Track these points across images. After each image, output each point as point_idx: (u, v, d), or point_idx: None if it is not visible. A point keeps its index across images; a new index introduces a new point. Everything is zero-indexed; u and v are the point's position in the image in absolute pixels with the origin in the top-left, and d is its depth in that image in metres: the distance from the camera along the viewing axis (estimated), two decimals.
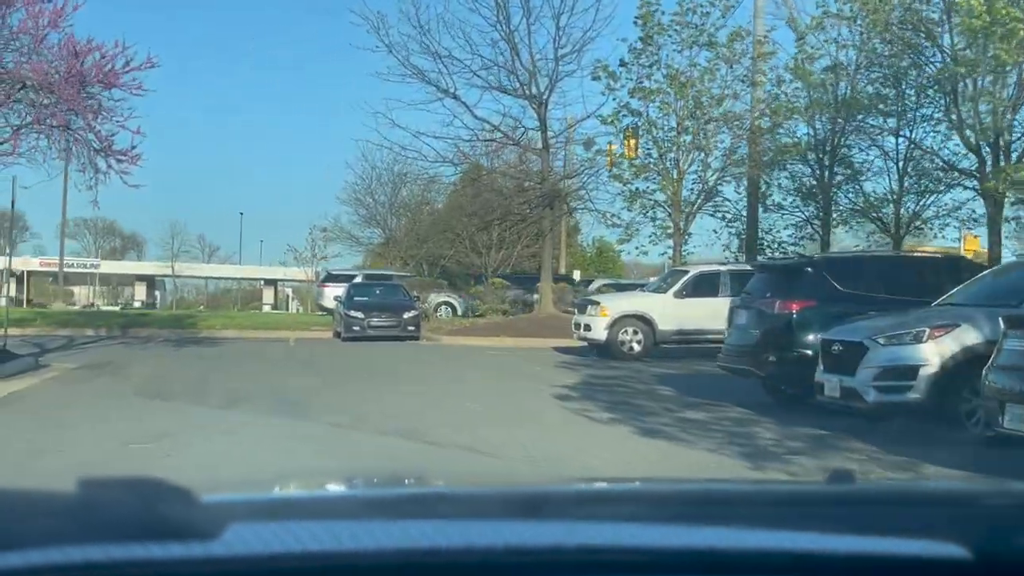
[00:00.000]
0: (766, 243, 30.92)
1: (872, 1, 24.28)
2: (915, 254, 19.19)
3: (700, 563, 1.36)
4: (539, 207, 32.18)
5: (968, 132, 22.93)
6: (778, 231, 30.98)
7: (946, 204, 28.31)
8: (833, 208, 29.29)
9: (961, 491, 2.14)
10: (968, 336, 10.62)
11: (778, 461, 9.61)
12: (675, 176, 30.16)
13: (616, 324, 23.14)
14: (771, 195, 30.86)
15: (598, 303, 23.88)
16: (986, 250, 24.48)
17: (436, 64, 31.06)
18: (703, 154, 30.43)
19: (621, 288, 33.48)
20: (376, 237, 58.81)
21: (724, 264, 25.44)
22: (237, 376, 17.32)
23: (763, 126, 29.86)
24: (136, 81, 17.43)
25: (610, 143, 31.42)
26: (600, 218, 32.17)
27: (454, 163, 33.47)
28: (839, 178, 29.06)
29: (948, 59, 23.07)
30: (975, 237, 30.24)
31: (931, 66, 24.68)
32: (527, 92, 31.25)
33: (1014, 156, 22.74)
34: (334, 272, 42.13)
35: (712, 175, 30.70)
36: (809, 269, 14.01)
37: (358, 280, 35.15)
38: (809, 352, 13.12)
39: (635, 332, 23.19)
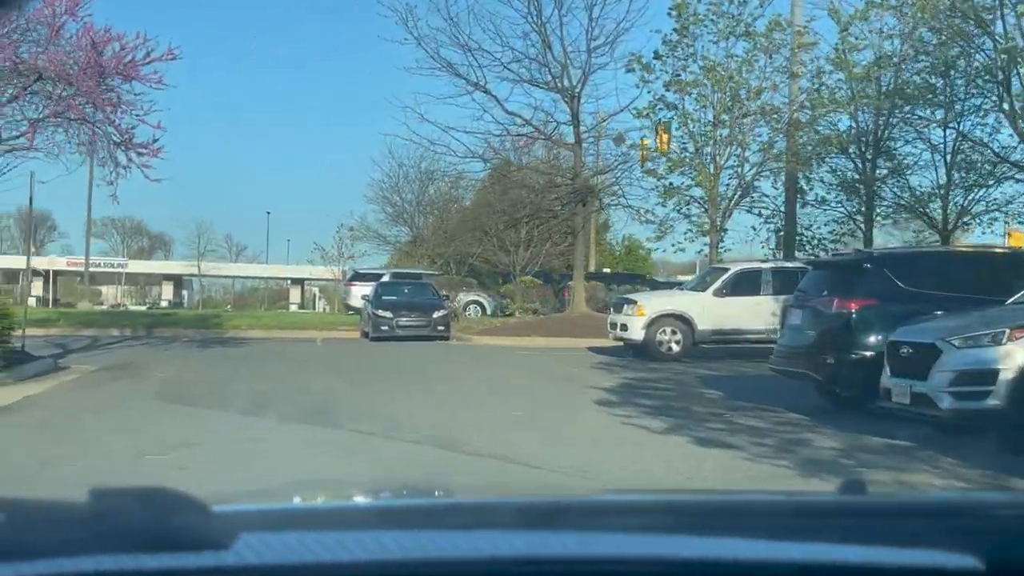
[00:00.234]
0: (805, 239, 30.03)
1: None
2: (979, 250, 18.24)
3: (712, 574, 1.35)
4: (571, 203, 31.32)
5: (1021, 123, 21.96)
6: (818, 227, 30.09)
7: (996, 199, 27.34)
8: (876, 203, 28.34)
9: (971, 501, 2.14)
10: None
11: (851, 474, 8.80)
12: (711, 171, 29.28)
13: (654, 324, 22.32)
14: (811, 190, 29.98)
15: (635, 302, 23.04)
16: None
17: (466, 57, 30.32)
18: (740, 148, 29.56)
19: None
20: (403, 235, 58.36)
21: (765, 261, 24.57)
22: (262, 378, 16.62)
23: (802, 119, 28.96)
24: (157, 74, 16.76)
25: (643, 138, 30.64)
26: (634, 214, 31.36)
27: (484, 159, 32.74)
28: (883, 172, 28.11)
29: (1000, 47, 22.09)
30: (1021, 233, 29.24)
31: (982, 54, 23.71)
32: (559, 85, 30.43)
33: None
34: (361, 271, 41.53)
35: (749, 170, 29.81)
36: (868, 265, 13.12)
37: (386, 279, 34.51)
38: (869, 354, 12.31)
39: (673, 332, 22.35)
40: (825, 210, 29.66)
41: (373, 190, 55.47)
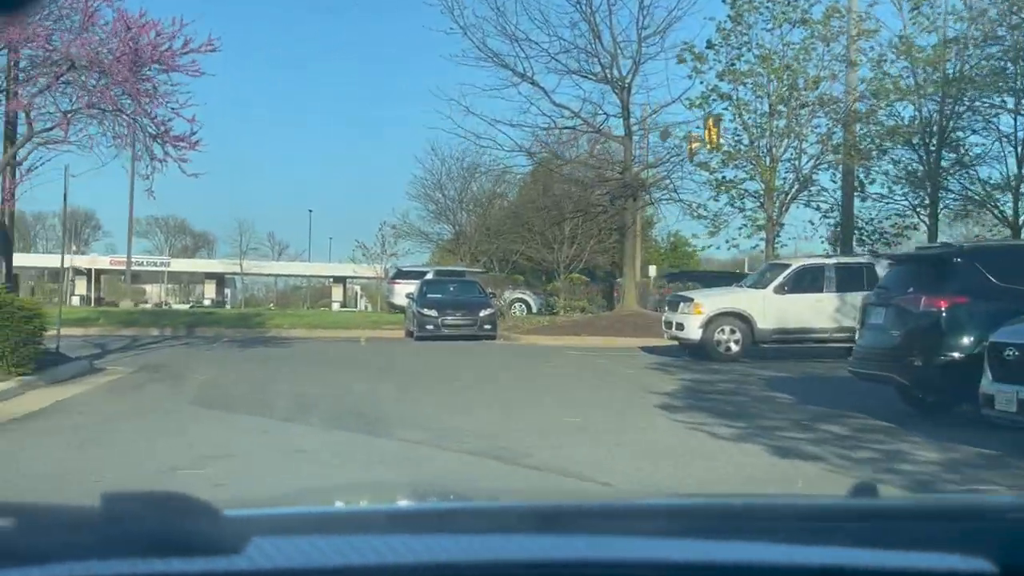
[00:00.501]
0: (865, 234, 28.94)
1: None
2: None
3: None
4: (620, 198, 30.33)
5: None
6: (879, 221, 28.97)
7: None
8: (941, 196, 27.16)
9: (984, 504, 2.10)
10: None
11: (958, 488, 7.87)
12: (767, 163, 28.25)
13: (712, 323, 21.35)
14: (871, 183, 28.88)
15: (691, 300, 22.06)
16: None
17: (513, 47, 29.47)
18: (797, 140, 28.50)
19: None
20: (445, 233, 57.73)
21: (828, 257, 23.50)
22: (304, 380, 15.83)
23: (860, 109, 27.88)
24: (195, 64, 16.01)
25: (690, 132, 29.68)
26: (686, 209, 30.37)
27: (530, 152, 31.85)
28: (948, 163, 26.92)
29: None
30: None
31: None
32: (608, 76, 29.48)
33: None
34: (404, 268, 40.94)
35: (807, 162, 28.75)
36: (958, 260, 12.06)
37: (429, 276, 33.78)
38: (960, 356, 11.34)
39: (732, 331, 21.36)
40: (887, 203, 28.52)
41: (415, 187, 54.99)
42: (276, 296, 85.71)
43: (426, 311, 27.19)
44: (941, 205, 27.42)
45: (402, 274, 38.96)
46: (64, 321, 20.83)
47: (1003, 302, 11.21)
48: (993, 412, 9.77)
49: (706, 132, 28.69)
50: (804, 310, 21.02)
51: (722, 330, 21.36)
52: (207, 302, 73.22)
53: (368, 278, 61.92)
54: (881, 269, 20.92)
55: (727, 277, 32.92)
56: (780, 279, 21.54)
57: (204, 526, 1.33)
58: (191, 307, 60.50)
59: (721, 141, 28.49)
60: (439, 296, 28.18)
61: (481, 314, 27.43)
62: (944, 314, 11.57)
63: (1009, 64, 24.39)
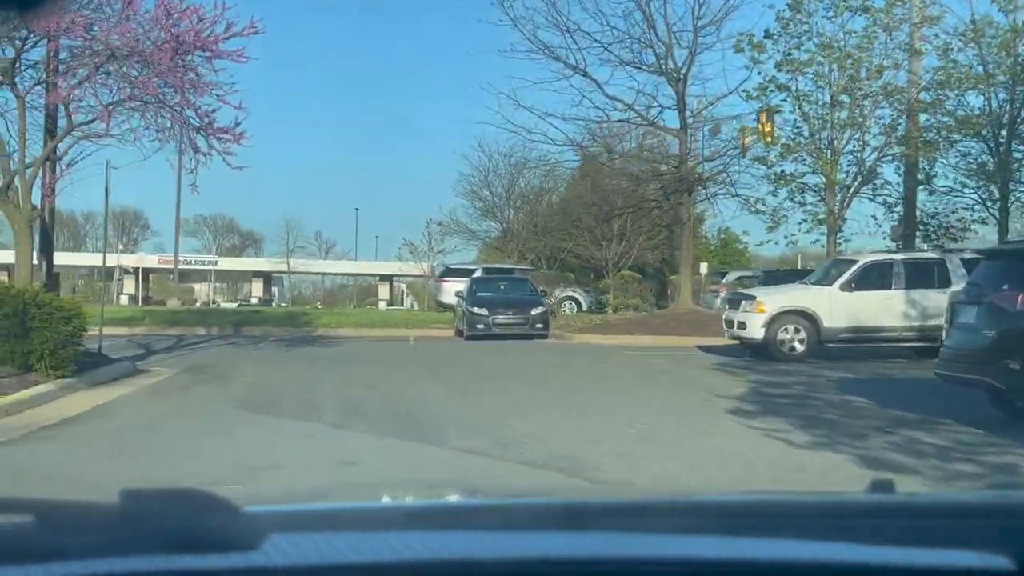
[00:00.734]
0: (931, 229, 27.90)
1: None
2: None
3: (742, 574, 1.34)
4: (676, 192, 29.45)
5: None
6: (945, 216, 27.90)
7: None
8: (1012, 189, 26.07)
9: (1004, 502, 2.06)
10: None
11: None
12: (829, 156, 27.27)
13: (775, 321, 20.46)
14: (935, 175, 27.82)
15: (754, 298, 21.18)
16: None
17: (564, 39, 28.68)
18: (860, 131, 27.49)
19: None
20: (492, 230, 57.21)
21: (896, 252, 22.53)
22: (353, 382, 15.17)
23: (925, 99, 26.84)
24: (240, 50, 15.40)
25: (742, 127, 28.74)
26: (743, 204, 29.44)
27: (582, 146, 31.04)
28: (1020, 155, 25.83)
29: None
30: None
31: None
32: (663, 67, 28.61)
33: None
34: (452, 266, 40.36)
35: (870, 154, 27.73)
36: None
37: (478, 274, 33.13)
38: None
39: (796, 330, 20.46)
40: (954, 197, 27.46)
41: (462, 184, 54.55)
42: (323, 295, 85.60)
43: (476, 310, 26.51)
44: (1012, 199, 26.31)
45: (450, 272, 38.39)
46: (108, 321, 20.38)
47: None
48: None
49: (759, 126, 27.79)
50: (873, 308, 20.11)
51: (786, 329, 20.48)
52: (254, 300, 73.15)
53: (415, 276, 61.52)
54: (952, 265, 20.01)
55: (795, 274, 31.74)
56: (847, 276, 20.61)
57: (222, 523, 1.33)
58: (239, 306, 60.35)
59: (780, 133, 27.56)
60: (489, 294, 27.50)
61: (533, 312, 26.71)
62: None
63: None
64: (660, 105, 29.21)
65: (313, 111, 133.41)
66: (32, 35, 15.03)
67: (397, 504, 2.17)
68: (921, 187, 28.35)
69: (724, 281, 38.63)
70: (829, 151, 27.40)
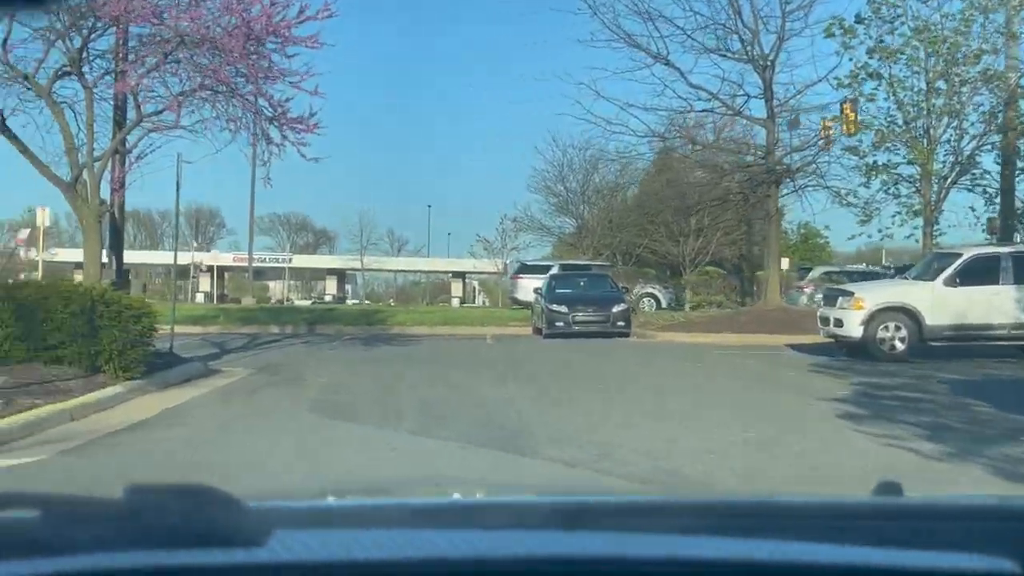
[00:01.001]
0: None
1: None
2: None
3: (744, 575, 1.33)
4: (764, 184, 28.29)
5: None
6: None
7: None
8: None
9: (1008, 504, 2.07)
10: None
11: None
12: (925, 145, 25.97)
13: (874, 318, 19.33)
14: None
15: (851, 294, 20.07)
16: None
17: (646, 26, 27.63)
18: (957, 119, 26.14)
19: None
20: (567, 226, 56.40)
21: (1003, 245, 21.24)
22: (432, 385, 14.41)
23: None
24: (314, 37, 14.69)
25: (827, 116, 27.51)
26: (833, 196, 28.19)
27: (664, 137, 30.00)
28: None
29: None
30: None
31: None
32: (749, 54, 27.46)
33: None
34: (528, 263, 39.61)
35: (968, 143, 26.37)
36: None
37: (554, 271, 32.32)
38: None
39: (897, 328, 19.31)
40: None
41: (536, 180, 53.81)
42: (395, 292, 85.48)
43: (555, 307, 25.66)
44: None
45: (525, 269, 37.64)
46: (181, 319, 19.89)
47: None
48: None
49: (843, 116, 26.60)
50: (979, 305, 18.92)
51: (886, 327, 19.34)
52: (328, 298, 73.19)
53: (488, 273, 60.96)
54: None
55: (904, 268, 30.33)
56: (950, 270, 19.42)
57: (227, 518, 1.32)
58: (312, 303, 60.31)
59: (873, 121, 26.32)
60: (569, 291, 26.64)
61: (614, 310, 25.79)
62: None
63: None
64: (746, 94, 28.08)
65: (382, 105, 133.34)
66: (99, 22, 14.49)
67: (404, 501, 2.16)
68: (1021, 177, 26.95)
69: (809, 277, 37.43)
70: (925, 140, 26.11)
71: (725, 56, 27.82)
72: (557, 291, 26.65)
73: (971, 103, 26.12)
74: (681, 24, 27.51)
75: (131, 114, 15.50)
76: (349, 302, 67.01)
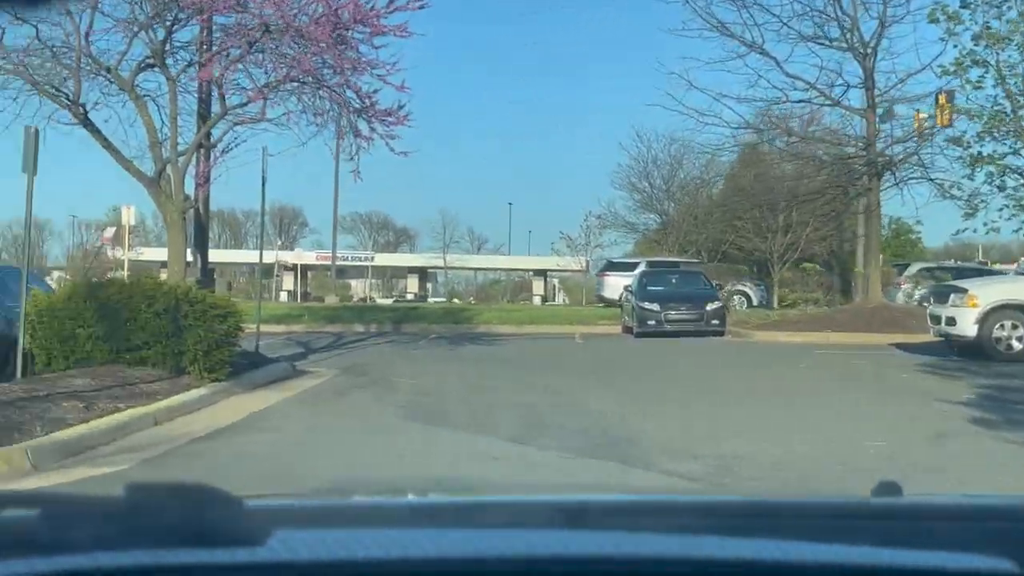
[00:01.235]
0: None
1: None
2: None
3: (742, 574, 1.33)
4: (866, 176, 27.14)
5: None
6: None
7: None
8: None
9: (1009, 505, 1.99)
10: None
11: None
12: None
13: (989, 316, 18.24)
14: None
15: (965, 291, 18.98)
16: None
17: (740, 14, 26.66)
18: None
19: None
20: (652, 223, 55.62)
21: None
22: (527, 387, 13.74)
23: None
24: (403, 26, 14.13)
25: (917, 111, 26.29)
26: (937, 189, 26.95)
27: (759, 129, 28.99)
28: None
29: None
30: None
31: None
32: (849, 41, 26.34)
33: None
34: (615, 260, 38.94)
35: None
36: None
37: (642, 268, 31.56)
38: None
39: (1014, 326, 18.22)
40: None
41: (620, 176, 53.21)
42: (475, 290, 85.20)
43: (647, 305, 24.85)
44: None
45: (612, 266, 37.01)
46: (265, 318, 19.53)
47: None
48: None
49: (937, 106, 25.40)
50: None
51: (1002, 325, 18.26)
52: (409, 296, 73.12)
53: (571, 271, 60.38)
54: None
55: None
56: None
57: (226, 517, 1.31)
58: (394, 301, 60.25)
59: (979, 107, 25.05)
60: (661, 288, 25.80)
61: (708, 308, 24.92)
62: None
63: None
64: (846, 83, 26.94)
65: (462, 102, 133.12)
66: (182, 12, 14.08)
67: (403, 501, 2.13)
68: None
69: (906, 274, 36.12)
70: None
71: (823, 44, 26.76)
72: (649, 288, 25.84)
73: None
74: (777, 12, 26.53)
75: (215, 107, 15.08)
76: (430, 300, 66.86)
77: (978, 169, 25.77)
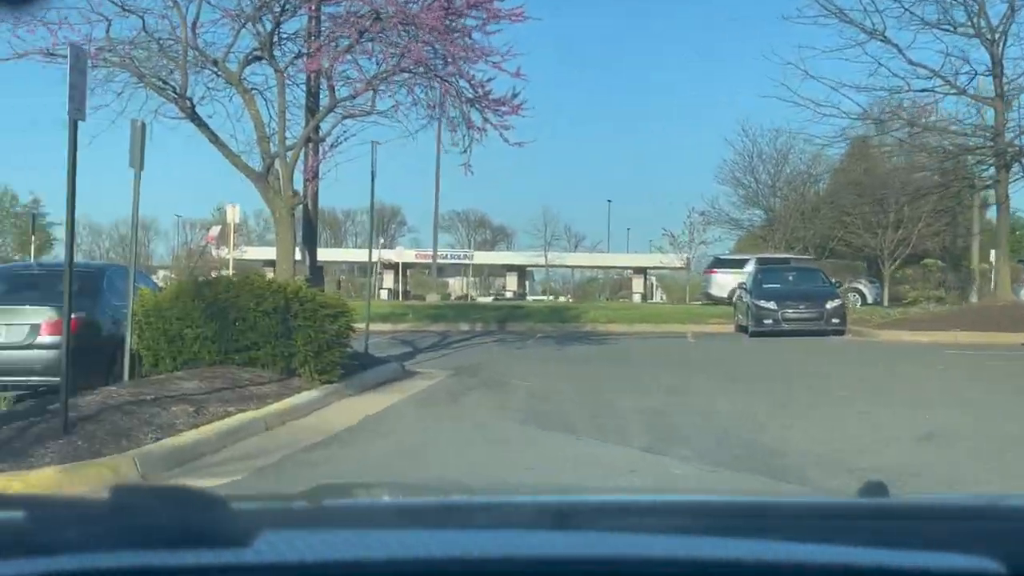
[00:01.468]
0: None
1: None
2: None
3: (732, 575, 1.32)
4: (992, 168, 25.83)
5: None
6: None
7: None
8: None
9: (994, 504, 2.03)
10: None
11: None
12: None
13: None
14: None
15: None
16: None
17: (859, 0, 25.51)
18: None
19: None
20: (757, 219, 54.38)
21: None
22: (648, 390, 13.02)
23: None
24: (518, 10, 13.50)
25: None
26: None
27: (879, 120, 27.80)
28: None
29: None
30: None
31: None
32: (976, 26, 25.04)
33: None
34: (723, 257, 38.01)
35: None
36: None
37: (751, 265, 30.63)
38: None
39: None
40: None
41: (724, 171, 52.13)
42: (573, 288, 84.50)
43: (763, 303, 23.93)
44: None
45: (720, 263, 36.10)
46: (371, 317, 19.09)
47: None
48: None
49: None
50: None
51: None
52: (508, 294, 72.80)
53: (673, 268, 59.36)
54: None
55: None
56: None
57: (213, 519, 1.30)
58: (494, 299, 59.93)
59: None
60: (777, 286, 24.79)
61: (828, 306, 23.89)
62: None
63: None
64: (973, 70, 25.63)
65: (559, 97, 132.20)
66: (290, 2, 13.66)
67: (391, 502, 2.11)
68: None
69: None
70: None
71: (947, 30, 25.48)
72: (764, 286, 24.86)
73: None
74: None
75: (324, 100, 14.64)
76: (529, 298, 66.39)
77: None
